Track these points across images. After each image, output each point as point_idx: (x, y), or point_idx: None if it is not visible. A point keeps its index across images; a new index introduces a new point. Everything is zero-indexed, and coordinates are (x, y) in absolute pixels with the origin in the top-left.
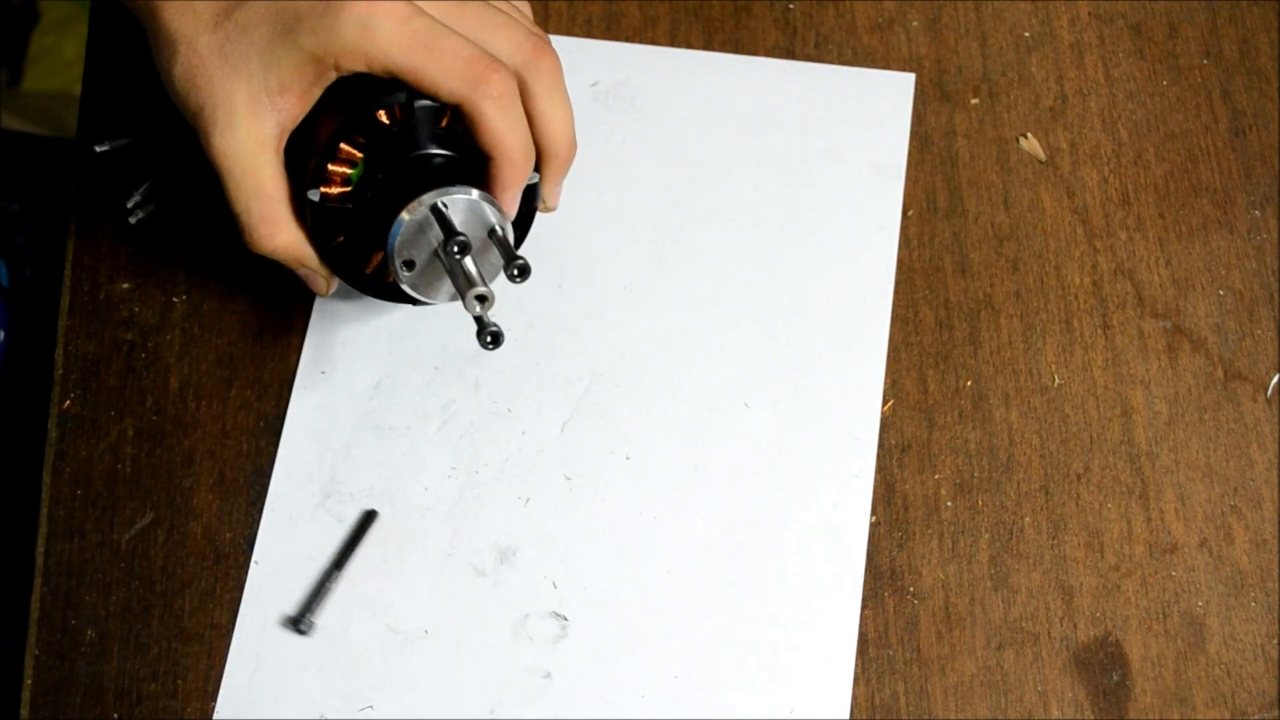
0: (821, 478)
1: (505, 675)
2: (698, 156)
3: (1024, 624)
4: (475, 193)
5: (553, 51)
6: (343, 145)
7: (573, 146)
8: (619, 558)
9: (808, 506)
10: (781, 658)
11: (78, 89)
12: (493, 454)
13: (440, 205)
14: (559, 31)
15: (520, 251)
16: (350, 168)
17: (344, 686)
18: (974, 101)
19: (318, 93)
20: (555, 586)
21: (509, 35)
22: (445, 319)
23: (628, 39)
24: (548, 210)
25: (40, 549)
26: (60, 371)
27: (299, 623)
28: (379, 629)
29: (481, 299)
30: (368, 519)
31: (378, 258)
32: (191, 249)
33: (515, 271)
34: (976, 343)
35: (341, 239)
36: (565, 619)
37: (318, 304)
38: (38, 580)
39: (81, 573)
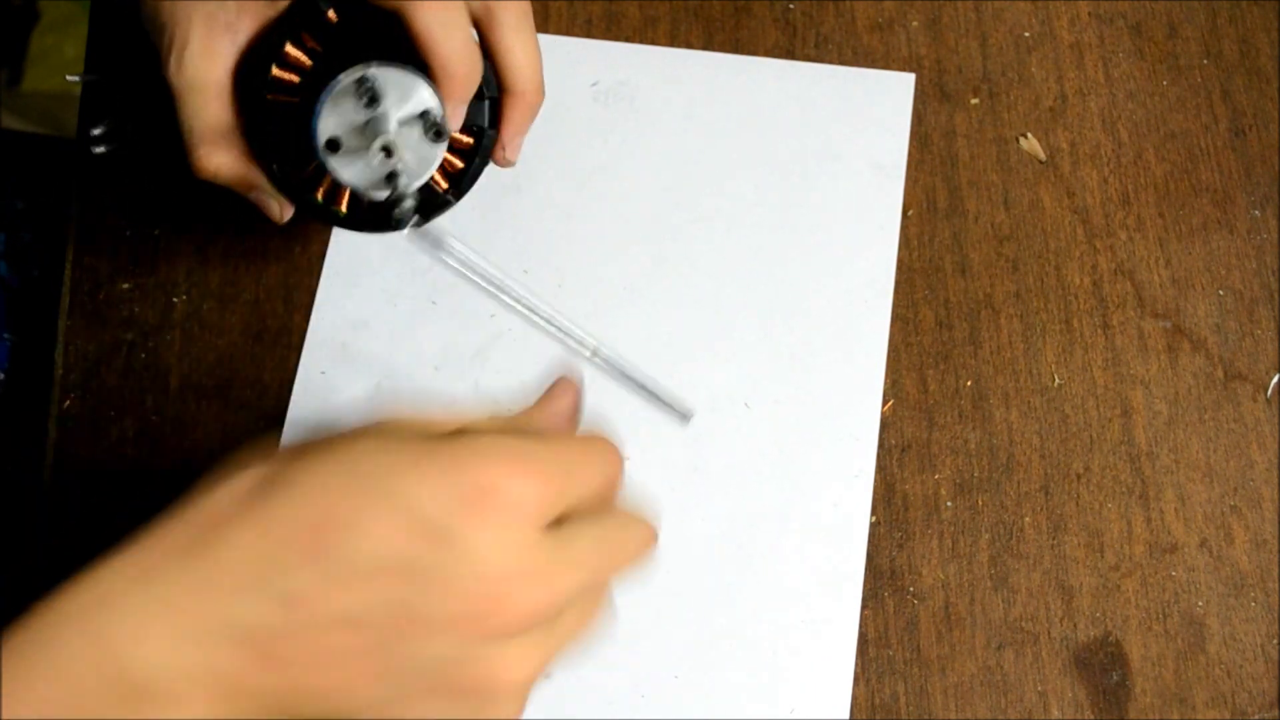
0: (822, 478)
1: None
2: (698, 156)
3: (1024, 624)
4: (407, 69)
5: None
6: (289, 49)
7: (539, 89)
8: None
9: (808, 506)
10: (781, 658)
11: (78, 89)
12: None
13: (369, 78)
14: (559, 31)
15: (520, 249)
16: (298, 75)
17: None
18: (974, 101)
19: (272, 13)
20: None
21: None
22: (445, 321)
23: (628, 39)
24: (506, 164)
25: (40, 549)
26: (60, 371)
27: None
28: None
29: (386, 150)
30: None
31: (327, 181)
32: (192, 249)
33: (433, 134)
34: (976, 343)
35: (287, 150)
36: None
37: (317, 305)
38: (38, 580)
39: None
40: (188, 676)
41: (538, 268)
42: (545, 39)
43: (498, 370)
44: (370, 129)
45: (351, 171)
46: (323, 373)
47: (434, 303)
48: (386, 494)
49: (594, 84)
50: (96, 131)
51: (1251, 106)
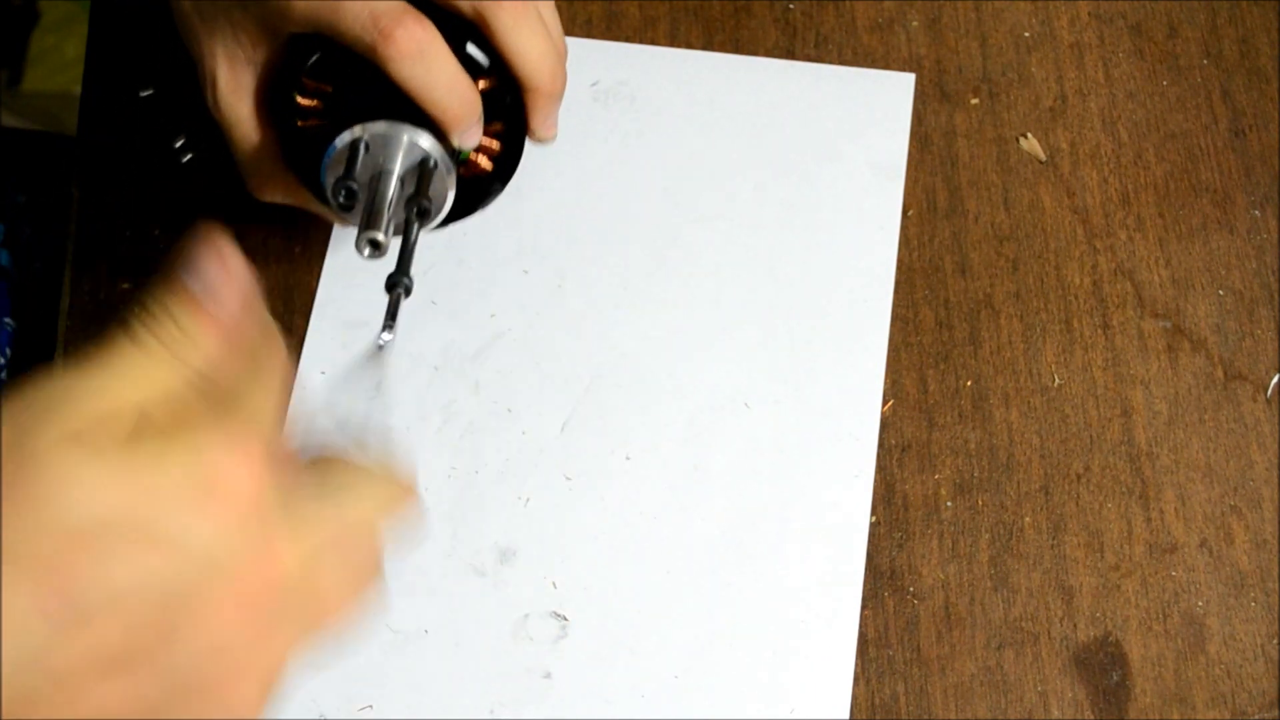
0: (821, 477)
1: (505, 675)
2: (698, 156)
3: (1024, 624)
4: (399, 126)
5: None
6: (306, 79)
7: (553, 78)
8: (619, 558)
9: (807, 506)
10: (781, 658)
11: (78, 89)
12: (493, 454)
13: (362, 143)
14: None
15: (520, 249)
16: (320, 100)
17: (343, 686)
18: (974, 101)
19: (281, 42)
20: (555, 586)
21: None
22: (445, 320)
23: (627, 39)
24: (543, 141)
25: None
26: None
27: None
28: (379, 628)
29: (373, 244)
30: None
31: None
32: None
33: (416, 210)
34: (976, 343)
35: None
36: (565, 619)
37: (317, 305)
38: None
39: None
40: None
41: (537, 268)
42: None
43: (497, 370)
44: (378, 183)
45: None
46: (323, 373)
47: (434, 303)
48: (106, 526)
49: (594, 84)
50: (178, 143)
51: (1251, 106)
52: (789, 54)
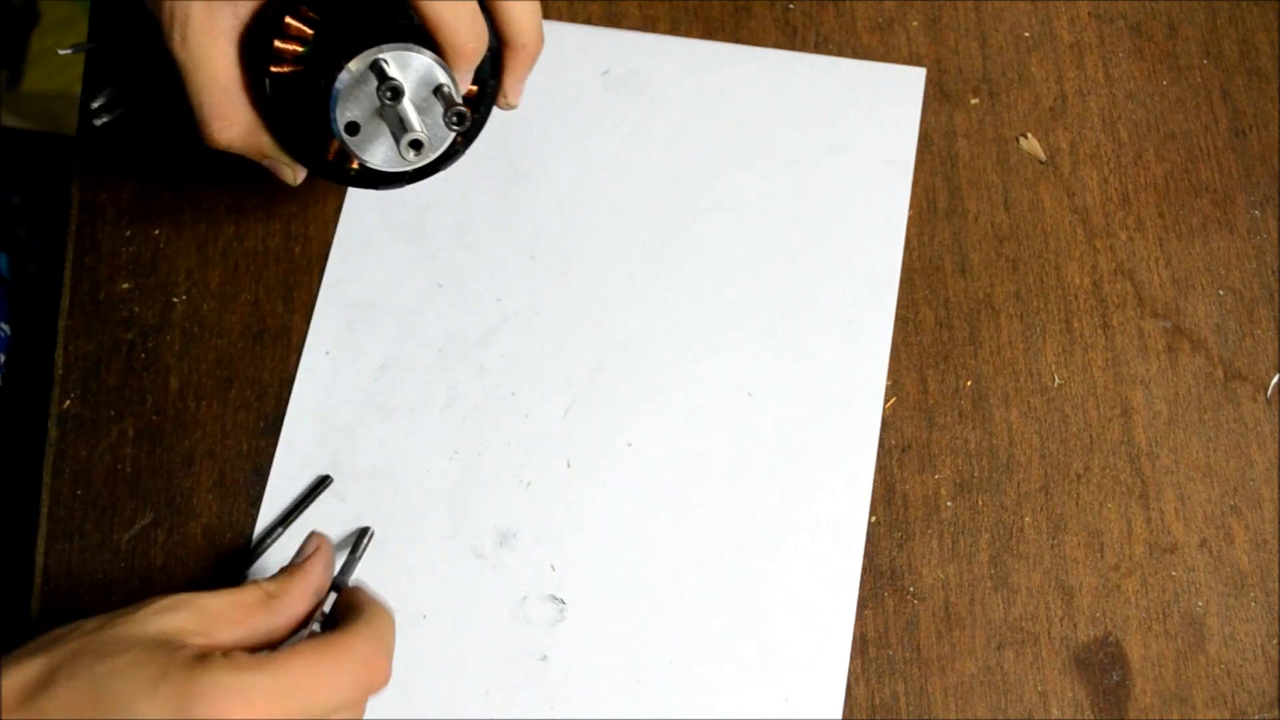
0: (822, 470)
1: (502, 656)
2: (707, 147)
3: (1024, 624)
4: (415, 48)
5: None
6: (289, 20)
7: (538, 39)
8: (618, 543)
9: (807, 498)
10: (776, 648)
11: (78, 89)
12: (495, 437)
13: (381, 60)
14: None
15: (528, 236)
16: (301, 45)
17: None
18: (974, 101)
19: None
20: (554, 570)
21: None
22: (451, 304)
23: None
24: (508, 106)
25: (40, 549)
26: (60, 371)
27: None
28: None
29: (416, 145)
30: (320, 484)
31: (336, 144)
32: (192, 249)
33: (454, 118)
34: (976, 343)
35: (299, 118)
36: (563, 602)
37: (325, 285)
38: (38, 580)
39: (81, 573)
40: None
41: (545, 254)
42: (558, 26)
43: (502, 354)
44: (386, 109)
45: (375, 151)
46: (327, 353)
47: (440, 285)
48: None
49: (605, 72)
50: (96, 104)
51: (1251, 106)
52: (790, 51)
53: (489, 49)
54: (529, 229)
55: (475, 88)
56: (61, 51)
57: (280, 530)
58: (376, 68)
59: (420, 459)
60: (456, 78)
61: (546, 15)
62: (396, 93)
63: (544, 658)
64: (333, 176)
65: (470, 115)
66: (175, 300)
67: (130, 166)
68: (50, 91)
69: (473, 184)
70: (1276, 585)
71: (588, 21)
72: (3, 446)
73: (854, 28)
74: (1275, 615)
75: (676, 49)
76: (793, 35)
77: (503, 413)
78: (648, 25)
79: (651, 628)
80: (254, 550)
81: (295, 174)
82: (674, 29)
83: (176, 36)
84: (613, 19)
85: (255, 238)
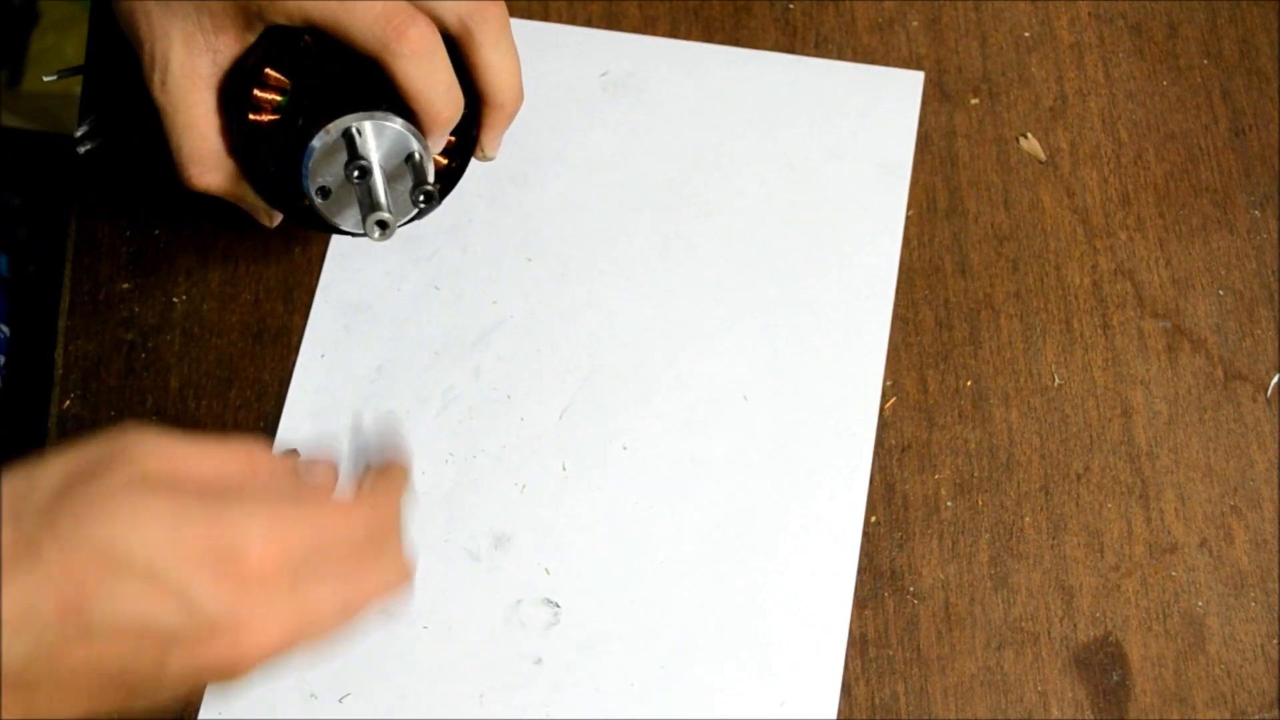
0: (818, 472)
1: (496, 660)
2: (705, 149)
3: (1024, 624)
4: (391, 118)
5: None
6: (269, 71)
7: (518, 98)
8: (613, 547)
9: (803, 501)
10: (771, 652)
11: (78, 89)
12: (491, 440)
13: (353, 130)
14: None
15: (524, 238)
16: (280, 95)
17: (334, 668)
18: (974, 101)
19: (252, 37)
20: (548, 573)
21: None
22: (447, 306)
23: None
24: (486, 159)
25: None
26: (60, 371)
27: None
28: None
29: (382, 225)
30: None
31: None
32: (192, 249)
33: (421, 197)
34: (976, 343)
35: (274, 169)
36: (557, 606)
37: (321, 287)
38: None
39: None
40: None
41: (541, 256)
42: (556, 28)
43: (498, 356)
44: (358, 179)
45: (346, 217)
46: (323, 356)
47: (437, 288)
48: (136, 563)
49: (603, 74)
50: (80, 132)
51: (1251, 106)
52: (789, 54)
53: (468, 110)
54: (525, 231)
55: (454, 138)
56: (46, 78)
57: None
58: (348, 136)
59: (415, 461)
60: (429, 144)
61: (545, 14)
62: (364, 172)
63: (538, 661)
64: (309, 223)
65: (437, 193)
66: (175, 300)
67: (131, 167)
68: (50, 91)
69: (469, 186)
70: (1276, 585)
71: (587, 22)
72: (3, 446)
73: (854, 28)
74: (1275, 615)
75: (674, 51)
76: (792, 35)
77: (498, 415)
78: (647, 25)
79: (646, 631)
80: None
81: (271, 218)
82: (674, 28)
83: (157, 79)
84: (612, 18)
85: (255, 238)
